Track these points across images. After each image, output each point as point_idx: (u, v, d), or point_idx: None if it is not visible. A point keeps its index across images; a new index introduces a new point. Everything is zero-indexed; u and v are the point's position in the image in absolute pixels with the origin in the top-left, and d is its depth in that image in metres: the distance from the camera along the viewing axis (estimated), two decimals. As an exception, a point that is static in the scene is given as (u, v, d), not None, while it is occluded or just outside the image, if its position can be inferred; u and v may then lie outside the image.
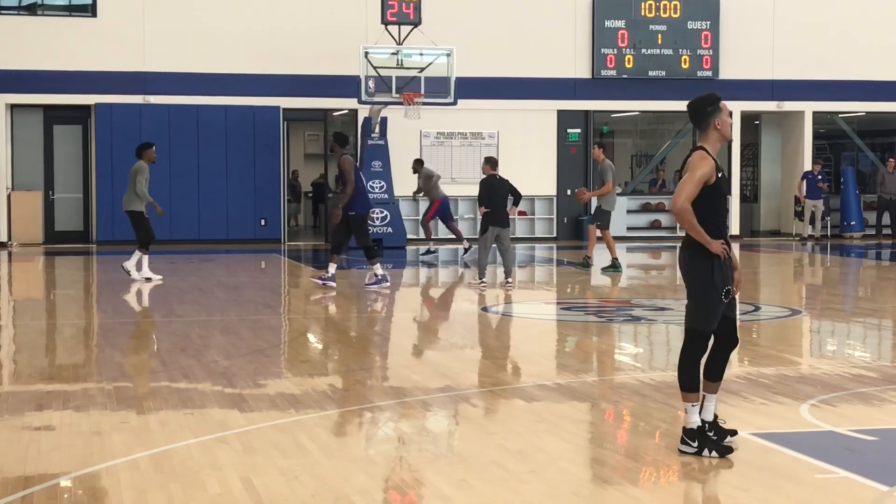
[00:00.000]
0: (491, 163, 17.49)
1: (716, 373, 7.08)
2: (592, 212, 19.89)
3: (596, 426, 8.15)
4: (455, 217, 27.74)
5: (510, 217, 17.38)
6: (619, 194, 29.05)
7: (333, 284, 16.59)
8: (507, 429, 7.66)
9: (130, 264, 17.71)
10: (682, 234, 7.02)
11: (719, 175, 6.87)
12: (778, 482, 6.33)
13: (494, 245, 17.14)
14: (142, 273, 17.72)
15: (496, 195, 17.14)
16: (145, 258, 17.79)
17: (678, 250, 7.17)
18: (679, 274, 7.27)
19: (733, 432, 7.18)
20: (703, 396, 7.04)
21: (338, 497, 6.07)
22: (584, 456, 7.19)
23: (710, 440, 6.90)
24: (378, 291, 16.36)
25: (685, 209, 6.75)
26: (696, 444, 6.87)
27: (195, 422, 7.92)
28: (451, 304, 16.05)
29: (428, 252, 23.30)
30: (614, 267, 19.13)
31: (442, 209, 23.17)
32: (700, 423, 6.92)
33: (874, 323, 13.59)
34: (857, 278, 20.66)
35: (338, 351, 11.81)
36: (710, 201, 6.86)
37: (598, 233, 19.36)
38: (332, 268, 16.64)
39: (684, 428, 6.97)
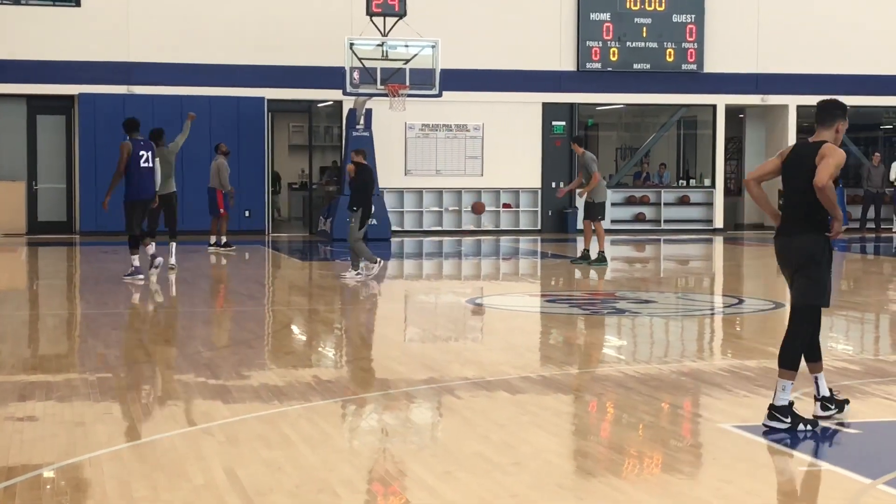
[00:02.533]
0: (362, 153, 17.05)
1: (819, 351, 7.61)
2: (582, 207, 19.66)
3: (580, 418, 8.16)
4: (439, 209, 27.79)
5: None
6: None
7: (140, 277, 16.34)
8: (492, 421, 7.66)
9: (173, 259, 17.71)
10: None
11: None
12: (762, 474, 6.34)
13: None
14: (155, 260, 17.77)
15: (371, 186, 16.71)
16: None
17: (783, 237, 7.53)
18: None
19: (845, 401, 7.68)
20: (816, 377, 7.55)
21: (322, 488, 6.06)
22: (568, 448, 7.19)
23: (799, 416, 7.28)
24: (132, 283, 16.07)
25: (830, 186, 7.25)
26: (788, 420, 7.24)
27: (179, 413, 7.90)
28: (435, 297, 16.05)
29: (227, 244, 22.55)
30: (598, 259, 19.00)
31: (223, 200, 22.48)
32: (791, 401, 7.31)
33: (857, 316, 13.63)
34: (840, 272, 20.72)
35: (322, 342, 11.80)
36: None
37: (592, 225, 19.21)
38: (171, 249, 16.55)
39: (773, 405, 7.28)
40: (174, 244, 17.97)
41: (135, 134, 16.56)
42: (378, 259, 16.77)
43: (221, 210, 22.20)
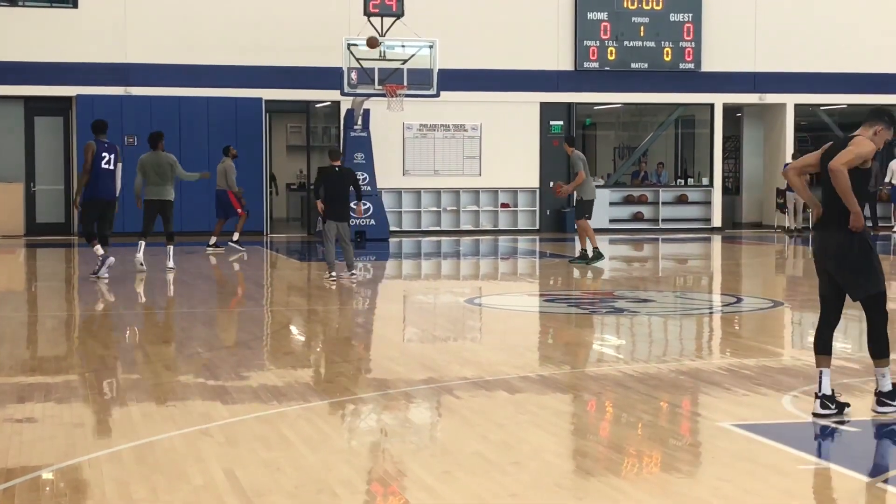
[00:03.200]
0: (332, 154, 16.80)
1: (831, 345, 7.75)
2: (574, 206, 19.69)
3: (579, 418, 8.16)
4: (438, 209, 27.83)
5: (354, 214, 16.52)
6: (601, 186, 29.25)
7: (105, 276, 16.55)
8: (491, 420, 7.66)
9: (172, 262, 17.85)
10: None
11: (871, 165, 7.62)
12: (761, 473, 6.35)
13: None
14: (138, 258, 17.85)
15: (334, 189, 16.30)
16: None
17: (816, 231, 7.75)
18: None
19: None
20: (821, 371, 7.61)
21: (321, 488, 6.06)
22: (568, 447, 7.20)
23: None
24: (99, 278, 16.37)
25: (842, 171, 7.40)
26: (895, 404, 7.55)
27: (178, 414, 7.90)
28: (434, 297, 16.05)
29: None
30: (594, 257, 18.98)
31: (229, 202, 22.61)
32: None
33: (855, 314, 13.61)
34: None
35: (321, 343, 11.80)
36: (859, 182, 7.50)
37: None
38: (99, 250, 16.57)
39: (880, 392, 7.60)
40: (171, 247, 17.98)
41: (101, 136, 16.73)
42: (333, 275, 16.34)
43: (240, 210, 22.26)
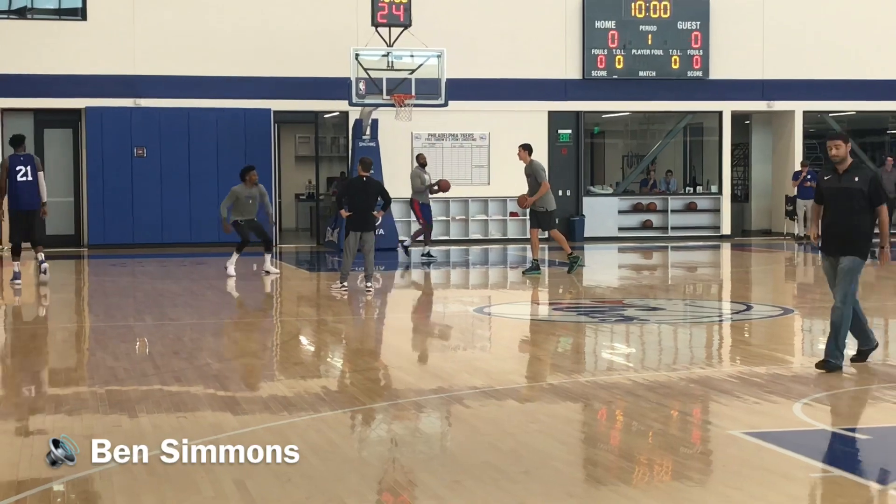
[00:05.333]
0: (363, 164, 16.71)
1: None
2: (534, 216, 19.33)
3: (589, 426, 8.15)
4: (447, 218, 27.85)
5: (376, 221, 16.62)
6: (610, 195, 29.28)
7: (18, 282, 17.53)
8: (500, 429, 7.66)
9: (268, 265, 19.17)
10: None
11: None
12: (771, 481, 6.33)
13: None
14: (265, 266, 19.16)
15: (357, 198, 16.29)
16: (268, 256, 19.26)
17: None
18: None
19: None
20: None
21: (331, 498, 6.06)
22: (578, 456, 7.19)
23: None
24: (13, 287, 17.30)
25: None
26: None
27: (188, 425, 7.90)
28: (443, 306, 16.04)
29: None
30: (534, 268, 18.98)
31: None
32: None
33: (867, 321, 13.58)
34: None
35: (330, 353, 11.81)
36: None
37: (543, 233, 19.25)
38: (16, 266, 17.72)
39: None
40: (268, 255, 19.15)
41: (17, 149, 17.52)
42: (345, 285, 16.28)
43: (420, 220, 22.60)
